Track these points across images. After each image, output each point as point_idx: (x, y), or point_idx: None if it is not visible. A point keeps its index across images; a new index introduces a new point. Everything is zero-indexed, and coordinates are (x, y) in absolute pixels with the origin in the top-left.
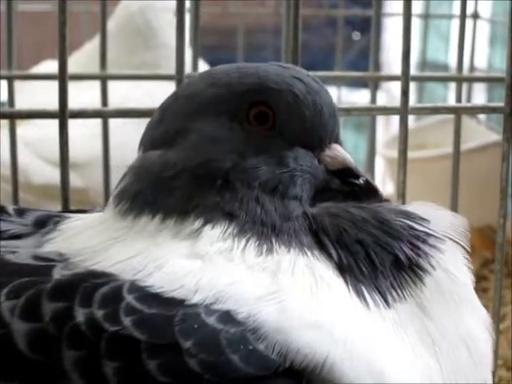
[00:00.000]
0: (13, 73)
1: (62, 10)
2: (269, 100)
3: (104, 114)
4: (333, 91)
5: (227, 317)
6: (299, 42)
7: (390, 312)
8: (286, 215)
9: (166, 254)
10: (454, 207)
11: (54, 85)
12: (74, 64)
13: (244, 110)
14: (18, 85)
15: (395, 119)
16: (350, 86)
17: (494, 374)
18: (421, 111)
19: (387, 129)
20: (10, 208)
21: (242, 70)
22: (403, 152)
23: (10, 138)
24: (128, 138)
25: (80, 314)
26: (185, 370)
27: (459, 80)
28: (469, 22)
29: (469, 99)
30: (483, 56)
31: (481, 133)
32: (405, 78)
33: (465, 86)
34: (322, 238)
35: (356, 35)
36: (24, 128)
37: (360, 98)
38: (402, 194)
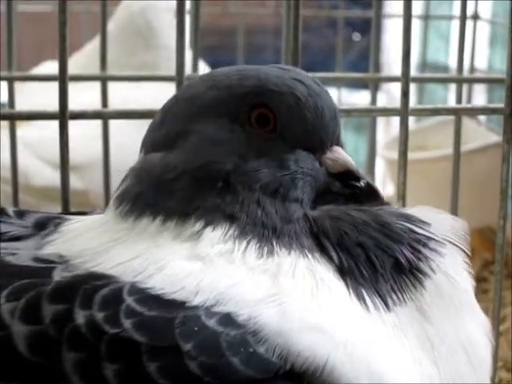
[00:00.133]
0: (13, 74)
1: (62, 10)
2: (269, 102)
3: (104, 115)
4: (333, 92)
5: (227, 319)
6: (299, 42)
7: (389, 315)
8: (287, 218)
9: (166, 255)
10: (454, 208)
11: (54, 86)
12: (74, 65)
13: (245, 112)
14: (18, 86)
15: (395, 120)
16: (350, 87)
17: (494, 375)
18: (421, 112)
19: (387, 130)
20: (10, 210)
21: (243, 72)
22: (403, 153)
23: (10, 139)
24: (130, 139)
25: (80, 316)
26: (185, 373)
27: (459, 81)
28: (469, 23)
29: (469, 100)
30: (483, 57)
31: (481, 134)
32: (405, 79)
33: (465, 87)
34: (323, 240)
35: (356, 36)
36: (24, 129)
37: (360, 99)
38: (402, 196)
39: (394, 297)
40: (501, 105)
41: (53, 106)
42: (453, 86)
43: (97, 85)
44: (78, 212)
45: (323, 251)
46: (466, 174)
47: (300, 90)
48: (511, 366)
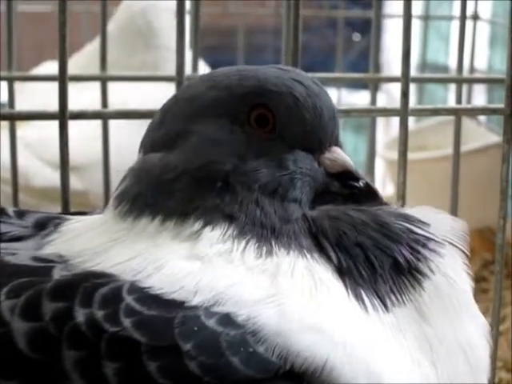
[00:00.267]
0: (13, 74)
1: (62, 10)
2: (269, 103)
3: (104, 116)
4: (333, 92)
5: (227, 319)
6: (299, 42)
7: (388, 316)
8: (286, 218)
9: (165, 255)
10: (454, 208)
11: (54, 86)
12: (75, 65)
13: (244, 112)
14: (18, 86)
15: (395, 121)
16: (350, 87)
17: (493, 375)
18: (421, 113)
19: (387, 130)
20: (10, 210)
21: (242, 72)
22: (403, 153)
23: (10, 139)
24: (130, 139)
25: (80, 314)
26: (185, 373)
27: (459, 81)
28: (469, 23)
29: (469, 100)
30: (483, 57)
31: (481, 134)
32: (405, 79)
33: (465, 88)
34: (322, 240)
35: (356, 36)
36: (24, 129)
37: (360, 99)
38: (402, 196)
39: (393, 297)
40: (501, 105)
41: (52, 105)
42: (453, 87)
43: (96, 85)
44: (77, 212)
45: (322, 251)
46: (465, 175)
47: (299, 91)
48: (511, 367)
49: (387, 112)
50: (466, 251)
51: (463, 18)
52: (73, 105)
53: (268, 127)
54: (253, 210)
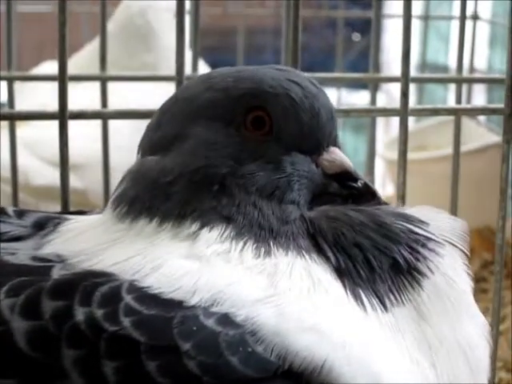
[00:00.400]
0: (12, 74)
1: (62, 10)
2: (265, 104)
3: (104, 116)
4: (332, 92)
5: (226, 319)
6: (299, 43)
7: (387, 316)
8: (284, 219)
9: (163, 254)
10: (454, 208)
11: (54, 86)
12: (74, 65)
13: (241, 114)
14: (18, 85)
15: (395, 121)
16: (349, 87)
17: (493, 375)
18: (421, 112)
19: (387, 130)
20: (10, 209)
21: (239, 74)
22: (403, 153)
23: (9, 139)
24: (130, 138)
25: (80, 313)
26: (184, 372)
27: (459, 81)
28: (469, 23)
29: (469, 100)
30: (483, 57)
31: (481, 134)
32: (404, 79)
33: (465, 88)
34: (320, 241)
35: (356, 36)
36: (23, 129)
37: (360, 99)
38: (401, 196)
39: (392, 297)
40: (500, 105)
41: (52, 105)
42: (452, 86)
43: (95, 85)
44: (77, 211)
45: (320, 252)
46: (465, 175)
47: (295, 92)
48: (511, 367)
49: (387, 112)
50: (465, 251)
51: (463, 17)
52: (72, 105)
53: (264, 129)
54: (250, 211)
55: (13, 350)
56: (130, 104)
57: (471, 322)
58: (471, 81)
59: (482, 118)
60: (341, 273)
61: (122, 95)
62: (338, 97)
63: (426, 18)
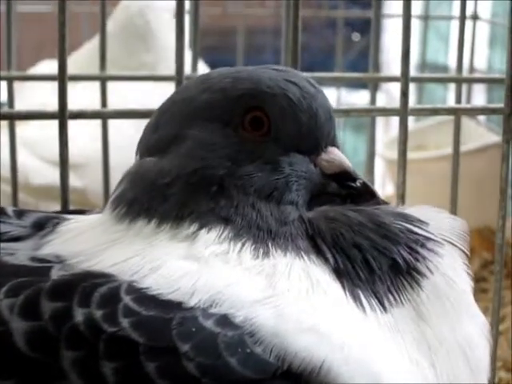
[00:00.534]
0: (12, 74)
1: (62, 10)
2: (263, 105)
3: (103, 115)
4: (332, 92)
5: (225, 320)
6: (299, 43)
7: (386, 317)
8: (282, 220)
9: (162, 255)
10: (454, 208)
11: (53, 85)
12: (74, 64)
13: (239, 115)
14: (17, 85)
15: (395, 120)
16: (349, 87)
17: (493, 375)
18: (420, 112)
19: (387, 130)
20: (10, 209)
21: (236, 74)
22: (403, 153)
23: (9, 139)
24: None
25: (79, 314)
26: (183, 373)
27: (459, 81)
28: (468, 23)
29: (468, 100)
30: (483, 57)
31: (480, 134)
32: (404, 79)
33: (464, 87)
34: (319, 242)
35: (356, 36)
36: (23, 128)
37: (359, 99)
38: (401, 195)
39: (391, 298)
40: (500, 105)
41: (51, 105)
42: (452, 86)
43: (96, 84)
44: (76, 210)
45: (319, 253)
46: (465, 174)
47: (293, 92)
48: (511, 366)
49: (387, 112)
50: (465, 251)
51: (463, 17)
52: (72, 104)
53: (263, 130)
54: (249, 212)
55: (12, 351)
56: (129, 104)
57: (471, 321)
58: (471, 81)
59: (481, 117)
60: (340, 274)
61: (122, 95)
62: (337, 96)
63: (425, 17)
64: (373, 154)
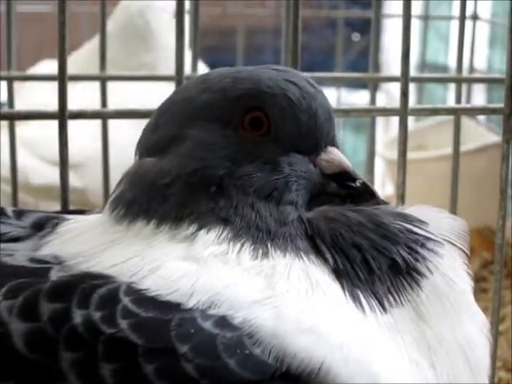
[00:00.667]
0: (12, 74)
1: (62, 10)
2: (263, 105)
3: (103, 115)
4: (332, 92)
5: (223, 321)
6: (299, 43)
7: (386, 317)
8: (282, 220)
9: (161, 256)
10: (454, 208)
11: (53, 85)
12: (74, 64)
13: (238, 115)
14: (18, 85)
15: (395, 120)
16: (349, 87)
17: (493, 375)
18: (420, 112)
19: (387, 130)
20: (9, 210)
21: (236, 74)
22: (403, 153)
23: (9, 139)
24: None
25: (77, 316)
26: (181, 375)
27: (459, 81)
28: (468, 23)
29: (468, 100)
30: (483, 57)
31: (480, 134)
32: (404, 79)
33: (464, 87)
34: (318, 242)
35: (356, 36)
36: (23, 128)
37: (359, 99)
38: (401, 195)
39: (391, 298)
40: (500, 105)
41: (51, 104)
42: (452, 86)
43: (96, 84)
44: (76, 211)
45: (318, 253)
46: (465, 174)
47: (292, 92)
48: (511, 366)
49: (387, 112)
50: (465, 250)
51: (463, 17)
52: (72, 104)
53: (262, 130)
54: (248, 213)
55: (11, 352)
56: (129, 104)
57: (471, 321)
58: (471, 81)
59: (481, 117)
60: (339, 274)
61: (122, 95)
62: (337, 96)
63: (425, 17)
64: (373, 153)
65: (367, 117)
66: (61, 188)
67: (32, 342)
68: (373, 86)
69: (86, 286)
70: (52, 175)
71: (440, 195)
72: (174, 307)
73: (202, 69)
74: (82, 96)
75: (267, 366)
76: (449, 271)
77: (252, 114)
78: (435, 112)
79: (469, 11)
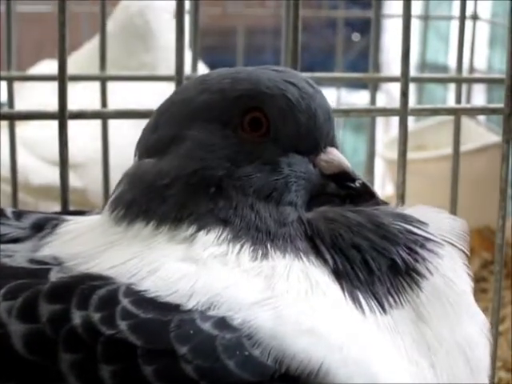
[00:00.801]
0: (12, 74)
1: (62, 10)
2: (262, 105)
3: (103, 115)
4: (332, 92)
5: (222, 323)
6: (299, 43)
7: (385, 318)
8: (281, 221)
9: (160, 257)
10: (454, 208)
11: (53, 85)
12: (74, 64)
13: (238, 116)
14: (18, 85)
15: (395, 120)
16: (349, 87)
17: (493, 375)
18: (420, 112)
19: (387, 130)
20: (9, 211)
21: (235, 75)
22: (403, 153)
23: (9, 139)
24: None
25: (77, 317)
26: (181, 376)
27: (459, 81)
28: (468, 23)
29: (468, 100)
30: (483, 57)
31: (480, 134)
32: (404, 79)
33: (464, 87)
34: (318, 243)
35: (356, 36)
36: (23, 128)
37: (359, 99)
38: (401, 195)
39: (391, 299)
40: (500, 105)
41: (51, 104)
42: (452, 86)
43: (96, 84)
44: (76, 211)
45: (318, 254)
46: (465, 174)
47: (291, 92)
48: (511, 366)
49: (387, 112)
50: (465, 251)
51: (463, 17)
52: (72, 104)
53: (261, 130)
54: (247, 214)
55: (10, 353)
56: (129, 104)
57: (471, 321)
58: (471, 81)
59: (481, 117)
60: (339, 275)
61: (122, 95)
62: (337, 97)
63: (425, 17)
64: (373, 154)
65: (367, 117)
66: (61, 188)
67: (31, 343)
68: (373, 86)
69: (85, 287)
70: (52, 175)
71: (440, 195)
72: (173, 308)
73: (202, 69)
74: (82, 96)
75: (266, 367)
76: (449, 272)
77: (251, 114)
78: (435, 112)
79: (469, 11)
